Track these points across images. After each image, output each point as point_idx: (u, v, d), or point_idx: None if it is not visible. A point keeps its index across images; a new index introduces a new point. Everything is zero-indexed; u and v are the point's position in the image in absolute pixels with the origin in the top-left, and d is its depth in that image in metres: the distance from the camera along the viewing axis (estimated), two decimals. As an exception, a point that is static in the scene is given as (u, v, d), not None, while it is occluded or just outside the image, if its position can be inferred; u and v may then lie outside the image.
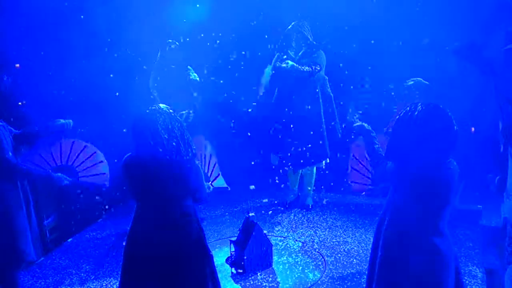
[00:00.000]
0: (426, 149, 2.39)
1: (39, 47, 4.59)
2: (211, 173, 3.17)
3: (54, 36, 4.63)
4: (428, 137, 2.39)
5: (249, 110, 5.28)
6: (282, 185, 5.58)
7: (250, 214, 4.05)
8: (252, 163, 5.67)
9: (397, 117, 2.55)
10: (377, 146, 2.73)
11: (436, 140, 2.39)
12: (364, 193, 3.04)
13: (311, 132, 4.94)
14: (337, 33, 5.49)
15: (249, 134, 5.53)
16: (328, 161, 5.17)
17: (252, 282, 3.91)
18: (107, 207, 5.07)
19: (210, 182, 3.14)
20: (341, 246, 4.46)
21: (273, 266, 4.12)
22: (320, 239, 4.62)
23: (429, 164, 2.40)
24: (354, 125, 2.80)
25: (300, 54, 4.89)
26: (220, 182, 3.23)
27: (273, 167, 5.33)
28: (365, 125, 2.81)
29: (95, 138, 4.82)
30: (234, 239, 4.16)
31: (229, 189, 3.15)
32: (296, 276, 3.99)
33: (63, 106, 4.59)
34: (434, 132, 2.39)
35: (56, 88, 4.77)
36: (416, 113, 2.42)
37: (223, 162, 5.13)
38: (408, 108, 2.48)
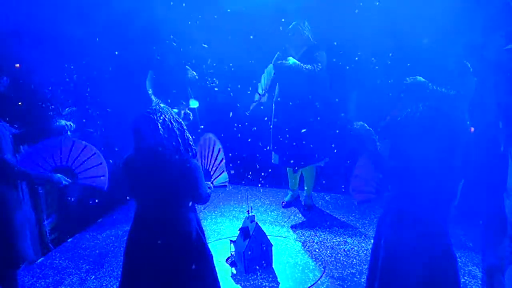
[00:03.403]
0: (429, 149, 2.39)
1: (39, 47, 4.58)
2: (216, 169, 3.14)
3: (54, 35, 4.63)
4: (431, 138, 2.40)
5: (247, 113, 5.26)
6: (283, 177, 5.57)
7: (250, 214, 4.06)
8: (251, 172, 5.68)
9: (399, 118, 2.55)
10: (378, 146, 2.73)
11: (439, 140, 2.40)
12: (365, 203, 3.00)
13: (312, 131, 4.93)
14: (338, 32, 5.47)
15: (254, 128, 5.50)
16: (327, 160, 5.17)
17: (252, 282, 3.91)
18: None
19: (211, 181, 3.12)
20: (341, 246, 4.46)
21: (273, 266, 4.12)
22: (320, 239, 4.62)
23: (432, 163, 2.40)
24: (355, 124, 2.79)
25: (301, 53, 4.89)
26: (222, 179, 3.20)
27: (274, 162, 5.32)
28: (366, 125, 2.80)
29: (95, 138, 4.82)
30: (234, 239, 4.16)
31: (230, 187, 3.10)
32: (296, 276, 3.99)
33: (62, 105, 4.58)
34: (436, 132, 2.40)
35: (55, 87, 4.76)
36: (418, 114, 2.44)
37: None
38: (410, 109, 2.49)
